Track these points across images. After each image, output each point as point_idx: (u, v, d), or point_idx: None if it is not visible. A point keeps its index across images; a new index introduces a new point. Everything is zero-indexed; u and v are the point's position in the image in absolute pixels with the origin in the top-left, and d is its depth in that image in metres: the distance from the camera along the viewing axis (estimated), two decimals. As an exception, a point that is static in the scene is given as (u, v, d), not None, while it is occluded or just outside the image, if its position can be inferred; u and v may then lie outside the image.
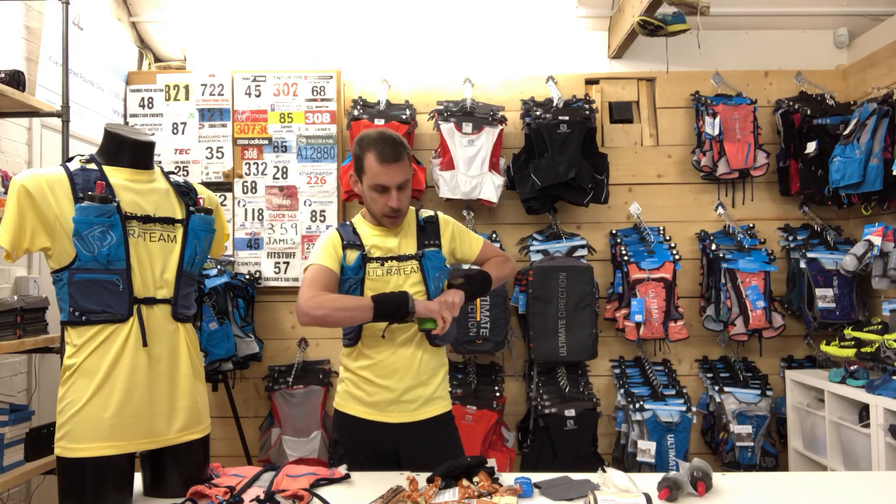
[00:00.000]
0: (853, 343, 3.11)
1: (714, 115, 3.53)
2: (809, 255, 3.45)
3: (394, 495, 1.53)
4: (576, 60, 3.84)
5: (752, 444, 3.30)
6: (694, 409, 3.29)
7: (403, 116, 3.46)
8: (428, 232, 1.98)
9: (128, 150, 1.63)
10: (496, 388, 3.36)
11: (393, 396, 1.86)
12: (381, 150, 1.83)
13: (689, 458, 2.87)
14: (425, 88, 3.75)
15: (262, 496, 1.55)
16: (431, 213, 2.04)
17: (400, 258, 1.91)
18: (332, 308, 1.78)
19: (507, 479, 1.64)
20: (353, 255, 1.88)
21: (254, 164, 3.69)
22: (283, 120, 3.69)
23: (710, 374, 3.55)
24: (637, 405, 3.25)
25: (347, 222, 2.00)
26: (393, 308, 1.77)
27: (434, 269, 1.92)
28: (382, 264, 1.89)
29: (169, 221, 1.63)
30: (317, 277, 1.83)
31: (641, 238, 3.57)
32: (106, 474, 1.51)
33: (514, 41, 3.85)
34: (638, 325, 3.36)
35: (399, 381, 1.86)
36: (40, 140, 3.07)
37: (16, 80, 2.58)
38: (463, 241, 2.04)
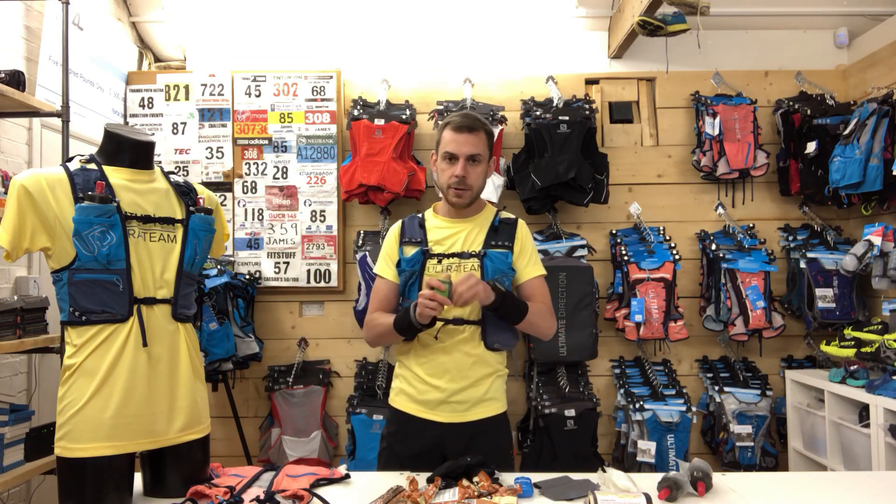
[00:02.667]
0: (853, 343, 3.11)
1: (714, 115, 3.53)
2: (809, 255, 3.45)
3: (394, 495, 1.53)
4: (576, 60, 3.84)
5: (752, 444, 3.30)
6: (694, 409, 3.29)
7: (403, 116, 3.46)
8: (501, 233, 1.92)
9: (128, 150, 1.63)
10: (496, 388, 3.35)
11: (442, 396, 1.85)
12: (458, 121, 1.86)
13: (689, 458, 2.88)
14: (425, 88, 3.75)
15: (262, 496, 1.55)
16: (512, 216, 1.99)
17: (461, 255, 1.88)
18: (376, 335, 1.93)
19: (507, 479, 1.64)
20: (411, 250, 1.89)
21: (254, 164, 3.69)
22: (283, 120, 3.69)
23: (710, 374, 3.55)
24: (637, 405, 3.25)
25: (419, 213, 2.00)
26: (406, 325, 1.79)
27: (494, 272, 1.85)
28: (440, 261, 1.88)
29: (169, 221, 1.63)
30: (376, 293, 1.97)
31: (641, 238, 3.57)
32: (106, 474, 1.51)
33: (514, 41, 3.85)
34: (638, 325, 3.36)
35: (449, 381, 1.84)
36: (40, 140, 3.07)
37: (16, 80, 2.58)
38: (523, 258, 1.94)
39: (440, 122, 1.92)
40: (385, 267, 1.96)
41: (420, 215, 1.99)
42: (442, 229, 1.93)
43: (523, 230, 1.98)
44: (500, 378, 1.94)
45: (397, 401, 1.94)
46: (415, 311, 1.75)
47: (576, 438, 3.19)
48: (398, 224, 1.99)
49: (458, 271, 1.87)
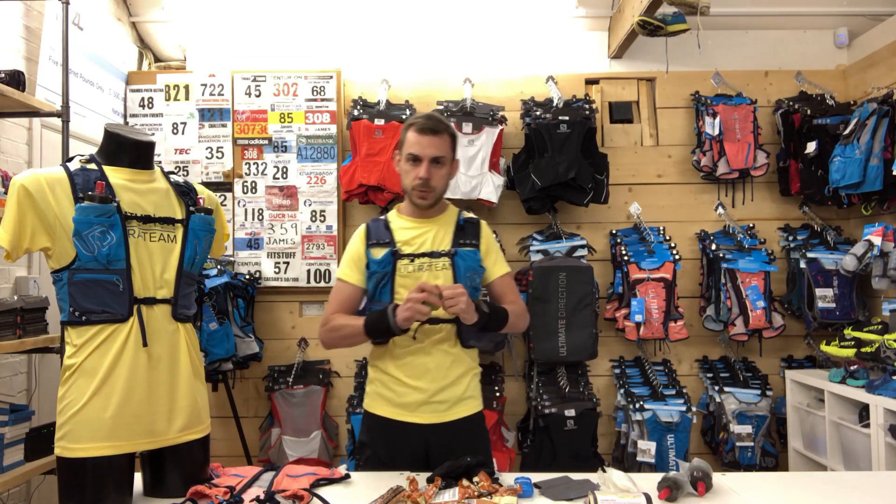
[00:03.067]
0: (853, 343, 3.11)
1: (714, 115, 3.53)
2: (809, 255, 3.45)
3: (394, 495, 1.53)
4: (576, 60, 3.84)
5: (752, 444, 3.30)
6: (694, 409, 3.29)
7: (403, 116, 3.46)
8: (467, 232, 1.95)
9: (128, 150, 1.63)
10: (496, 388, 3.35)
11: (424, 397, 1.84)
12: (422, 123, 1.86)
13: (689, 458, 2.88)
14: (425, 88, 3.75)
15: (262, 496, 1.55)
16: (475, 217, 2.01)
17: (432, 255, 1.88)
18: (338, 336, 1.89)
19: (507, 479, 1.64)
20: (380, 252, 1.88)
21: (254, 164, 3.69)
22: (283, 120, 3.69)
23: (710, 374, 3.55)
24: (637, 405, 3.25)
25: (382, 217, 1.99)
26: (383, 328, 1.77)
27: (467, 269, 1.88)
28: (412, 261, 1.88)
29: (169, 221, 1.63)
30: (335, 296, 1.94)
31: (641, 238, 3.57)
32: (106, 474, 1.51)
33: (514, 41, 3.85)
34: (638, 325, 3.36)
35: (431, 381, 1.84)
36: (40, 140, 3.07)
37: (16, 80, 2.58)
38: (490, 257, 1.97)
39: (405, 125, 1.91)
40: (349, 271, 1.93)
41: (384, 217, 1.98)
42: (409, 230, 1.92)
43: (487, 229, 2.00)
44: (476, 376, 1.96)
45: (374, 406, 1.91)
46: (394, 314, 1.73)
47: (576, 438, 3.19)
48: (362, 227, 1.97)
49: (430, 271, 1.87)
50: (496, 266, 1.98)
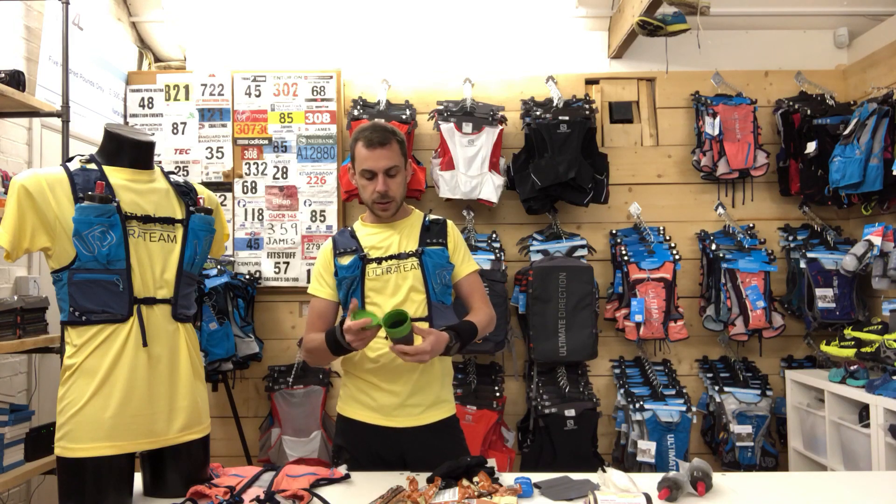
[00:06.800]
0: (853, 343, 3.11)
1: (714, 115, 3.53)
2: (809, 255, 3.45)
3: (394, 495, 1.53)
4: (576, 60, 3.84)
5: (752, 444, 3.30)
6: (694, 409, 3.29)
7: (403, 116, 3.46)
8: (433, 231, 1.96)
9: (128, 150, 1.63)
10: (496, 388, 3.36)
11: (398, 401, 1.85)
12: (368, 136, 1.85)
13: (689, 458, 2.88)
14: (425, 88, 3.75)
15: (262, 496, 1.55)
16: (441, 217, 2.02)
17: (399, 256, 1.89)
18: (312, 356, 1.91)
19: (507, 479, 1.64)
20: (347, 259, 1.89)
21: (254, 164, 3.69)
22: (283, 120, 3.69)
23: (710, 374, 3.55)
24: (637, 405, 3.25)
25: (348, 227, 2.00)
26: (335, 343, 1.74)
27: (435, 267, 1.89)
28: (379, 263, 1.89)
29: (169, 221, 1.63)
30: (310, 315, 1.98)
31: (641, 238, 3.57)
32: (106, 474, 1.51)
33: (514, 41, 3.85)
34: (638, 325, 3.36)
35: (404, 384, 1.85)
36: (40, 140, 3.07)
37: (16, 80, 2.58)
38: (458, 255, 1.98)
39: (352, 138, 1.90)
40: (318, 286, 1.94)
41: (350, 228, 1.99)
42: (374, 235, 1.93)
43: (453, 228, 2.01)
44: (448, 379, 1.97)
45: (349, 409, 1.91)
46: (343, 336, 1.69)
47: (576, 438, 3.19)
48: (329, 241, 1.98)
49: (399, 272, 1.88)
50: (464, 264, 1.98)
